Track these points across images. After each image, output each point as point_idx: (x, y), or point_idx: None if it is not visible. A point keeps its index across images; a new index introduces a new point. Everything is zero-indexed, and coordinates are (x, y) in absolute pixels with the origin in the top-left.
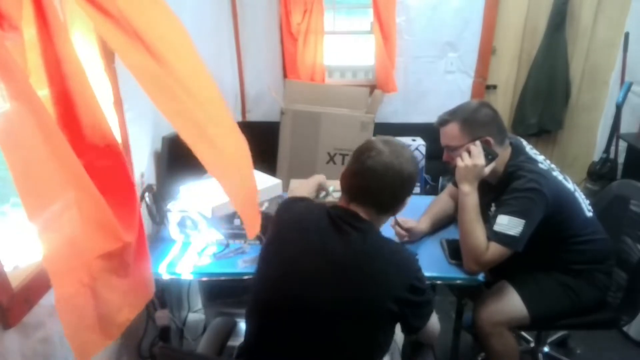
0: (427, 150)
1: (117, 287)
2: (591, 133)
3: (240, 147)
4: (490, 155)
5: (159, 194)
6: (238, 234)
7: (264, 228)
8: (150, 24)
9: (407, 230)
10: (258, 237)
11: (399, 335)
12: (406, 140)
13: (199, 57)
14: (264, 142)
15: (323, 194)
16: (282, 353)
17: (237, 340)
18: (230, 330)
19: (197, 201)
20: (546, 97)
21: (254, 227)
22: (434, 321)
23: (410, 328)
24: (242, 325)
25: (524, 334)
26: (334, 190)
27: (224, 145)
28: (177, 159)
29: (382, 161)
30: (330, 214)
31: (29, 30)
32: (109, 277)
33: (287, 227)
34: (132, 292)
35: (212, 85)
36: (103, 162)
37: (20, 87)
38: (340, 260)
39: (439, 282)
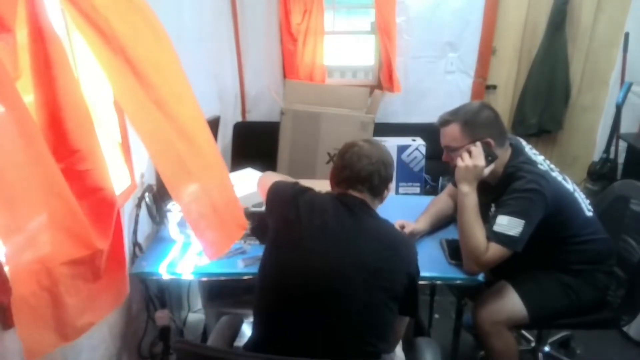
0: (427, 150)
1: (82, 291)
2: (591, 133)
3: (218, 172)
4: (490, 157)
5: (159, 194)
6: None
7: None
8: (138, 43)
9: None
10: (257, 237)
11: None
12: (406, 140)
13: (186, 80)
14: (264, 142)
15: None
16: (298, 334)
17: (241, 342)
18: (237, 328)
19: None
20: (546, 97)
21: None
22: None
23: (406, 310)
24: (245, 324)
25: (525, 333)
26: None
27: (199, 174)
28: None
29: (366, 151)
30: (340, 200)
31: (22, 32)
32: (74, 282)
33: (302, 212)
34: (100, 296)
35: (196, 110)
36: (85, 165)
37: (5, 92)
38: (359, 234)
39: (439, 282)
